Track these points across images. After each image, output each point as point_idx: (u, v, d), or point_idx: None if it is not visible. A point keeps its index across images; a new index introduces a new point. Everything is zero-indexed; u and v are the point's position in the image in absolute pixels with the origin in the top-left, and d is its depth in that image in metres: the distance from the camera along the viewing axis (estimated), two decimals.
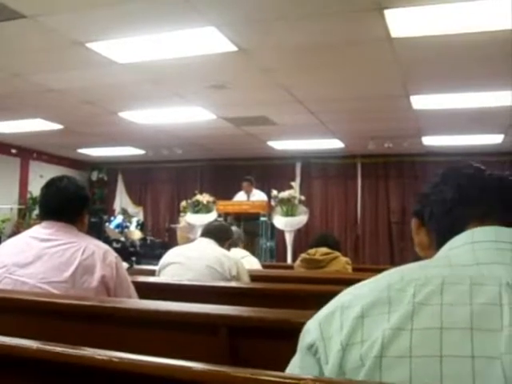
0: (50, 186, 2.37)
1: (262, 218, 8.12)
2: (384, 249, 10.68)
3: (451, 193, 1.02)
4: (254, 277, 3.47)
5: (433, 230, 1.05)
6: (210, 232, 3.56)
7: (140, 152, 10.99)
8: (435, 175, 1.10)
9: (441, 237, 1.00)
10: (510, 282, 0.82)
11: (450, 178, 1.06)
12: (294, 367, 0.92)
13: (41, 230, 2.28)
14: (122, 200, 12.66)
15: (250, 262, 4.21)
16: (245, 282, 3.30)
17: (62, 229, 2.27)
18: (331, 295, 0.94)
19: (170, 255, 3.47)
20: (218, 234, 3.55)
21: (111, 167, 12.71)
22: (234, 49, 4.77)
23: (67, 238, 2.23)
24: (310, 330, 0.90)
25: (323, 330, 0.88)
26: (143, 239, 11.29)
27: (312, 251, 4.04)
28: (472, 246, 0.91)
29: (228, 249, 3.61)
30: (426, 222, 1.07)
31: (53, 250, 2.19)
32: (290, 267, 4.73)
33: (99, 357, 1.06)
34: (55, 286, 2.13)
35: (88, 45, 4.73)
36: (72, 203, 2.33)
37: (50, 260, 2.16)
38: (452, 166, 1.10)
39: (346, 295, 0.92)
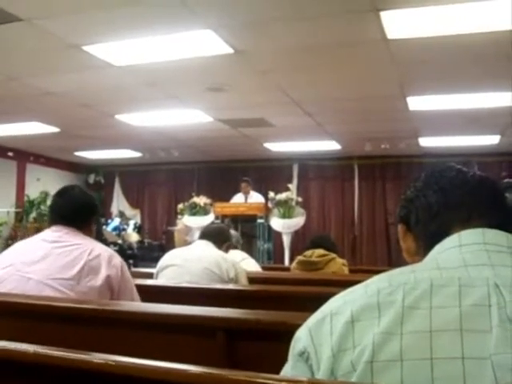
0: (63, 194, 2.50)
1: (260, 220, 8.12)
2: (381, 250, 10.69)
3: (435, 197, 1.03)
4: (251, 279, 3.47)
5: (420, 236, 1.05)
6: (208, 234, 3.55)
7: (137, 154, 10.99)
8: (417, 179, 1.10)
9: (428, 242, 1.01)
10: (497, 283, 0.82)
11: (432, 182, 1.06)
12: (286, 374, 0.92)
13: (50, 233, 2.38)
14: (119, 203, 12.64)
15: (249, 265, 4.19)
16: (242, 285, 3.29)
17: (70, 232, 2.36)
18: (328, 297, 0.95)
19: (168, 258, 3.46)
20: (216, 236, 3.54)
21: (108, 170, 12.70)
22: (231, 51, 4.77)
23: (75, 241, 2.33)
24: (301, 338, 0.91)
25: (314, 336, 0.88)
26: (140, 242, 11.28)
27: (308, 253, 4.02)
28: (459, 248, 0.92)
29: (226, 251, 3.60)
30: (413, 227, 1.07)
31: (60, 250, 2.27)
32: (287, 269, 4.73)
33: (96, 360, 1.06)
34: (60, 282, 2.18)
35: (84, 48, 4.73)
36: (82, 211, 2.46)
37: (56, 259, 2.24)
38: (434, 168, 1.10)
39: (336, 301, 0.92)
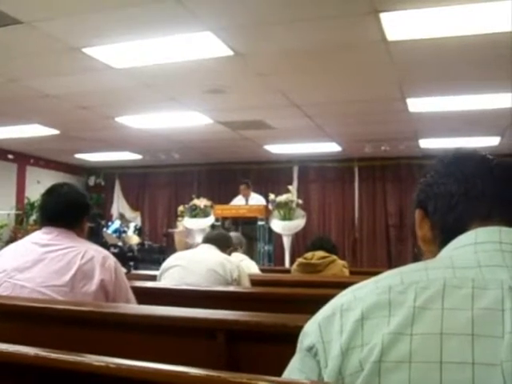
0: (51, 193, 2.40)
1: (260, 222, 8.10)
2: (382, 251, 10.68)
3: (456, 186, 0.97)
4: (252, 281, 3.48)
5: (437, 226, 1.00)
6: (212, 239, 3.65)
7: (137, 157, 10.99)
8: (439, 162, 1.04)
9: (444, 234, 0.97)
10: None
11: (454, 169, 1.00)
12: (294, 369, 0.90)
13: (41, 236, 2.30)
14: (119, 205, 12.64)
15: (247, 266, 4.22)
16: (244, 286, 3.32)
17: (61, 234, 2.28)
18: (328, 299, 0.94)
19: (173, 259, 3.54)
20: (219, 241, 3.64)
21: (108, 172, 12.70)
22: (230, 53, 4.77)
23: (67, 243, 2.25)
24: (310, 333, 0.89)
25: (323, 332, 0.86)
26: (141, 244, 11.25)
27: (309, 255, 4.02)
28: (474, 247, 0.88)
29: (229, 255, 3.69)
30: (431, 215, 1.01)
31: (52, 254, 2.20)
32: (288, 271, 4.73)
33: (97, 363, 1.06)
34: (54, 289, 2.14)
35: (84, 50, 4.73)
36: (72, 209, 2.36)
37: (49, 264, 2.18)
38: (457, 153, 1.04)
39: (346, 296, 0.90)
